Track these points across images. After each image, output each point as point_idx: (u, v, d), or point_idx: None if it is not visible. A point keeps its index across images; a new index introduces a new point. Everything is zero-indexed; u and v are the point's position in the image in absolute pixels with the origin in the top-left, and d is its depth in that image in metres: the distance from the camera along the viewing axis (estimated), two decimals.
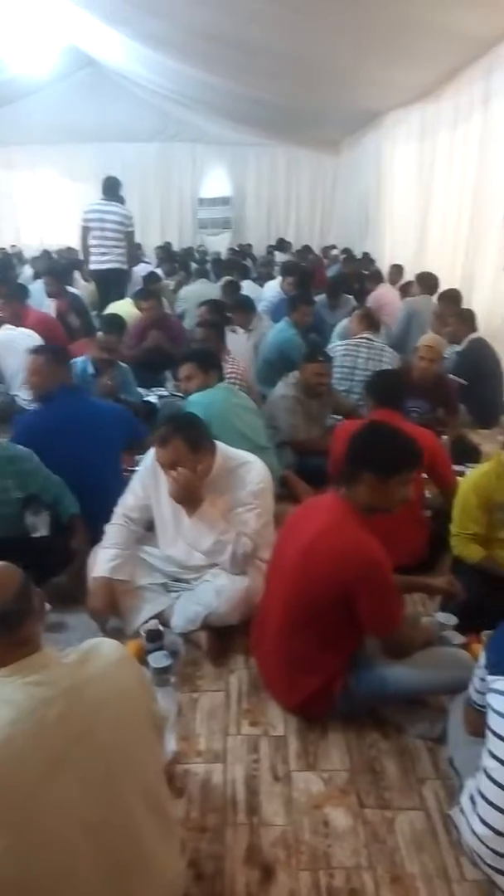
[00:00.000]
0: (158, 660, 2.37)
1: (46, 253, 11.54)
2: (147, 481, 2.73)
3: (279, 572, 2.21)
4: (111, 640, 1.53)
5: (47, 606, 2.58)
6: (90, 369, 4.26)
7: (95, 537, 2.78)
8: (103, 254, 6.70)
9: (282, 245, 13.49)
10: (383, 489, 2.07)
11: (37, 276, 8.16)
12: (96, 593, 2.56)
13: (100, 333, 4.37)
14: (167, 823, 1.44)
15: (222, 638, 2.58)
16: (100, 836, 1.26)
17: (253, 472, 2.64)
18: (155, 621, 2.54)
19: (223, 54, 7.39)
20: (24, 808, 1.20)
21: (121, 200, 6.94)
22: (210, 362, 3.62)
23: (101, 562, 2.60)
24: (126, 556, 2.64)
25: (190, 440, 2.49)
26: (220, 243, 14.80)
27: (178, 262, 11.26)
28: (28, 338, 4.93)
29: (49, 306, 6.67)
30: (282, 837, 1.83)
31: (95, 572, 2.59)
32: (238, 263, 9.87)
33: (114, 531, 2.69)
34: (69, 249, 11.90)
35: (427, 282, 6.40)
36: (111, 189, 6.77)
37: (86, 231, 6.70)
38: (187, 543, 2.62)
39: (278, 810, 1.92)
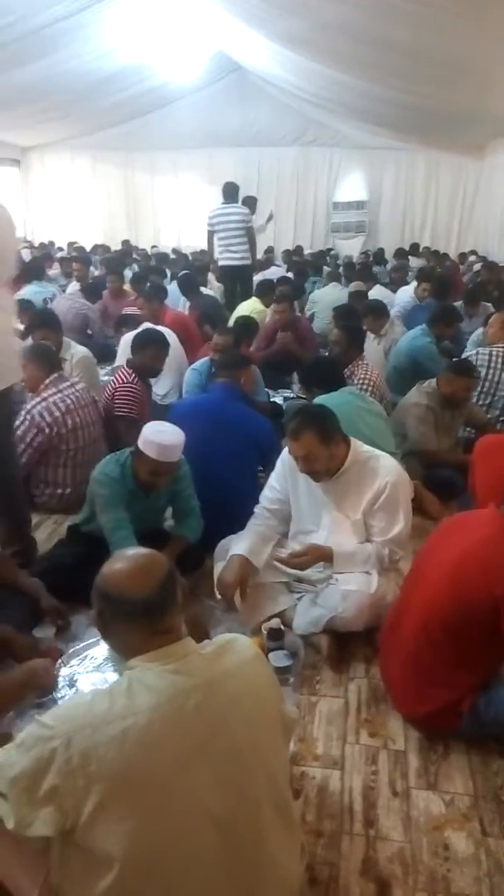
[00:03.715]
0: (279, 659, 2.38)
1: (182, 255, 11.94)
2: (284, 476, 2.77)
3: (421, 582, 2.16)
4: (244, 636, 1.55)
5: None
6: (213, 369, 4.37)
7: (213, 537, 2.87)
8: (231, 251, 7.40)
9: (416, 250, 13.22)
10: None
11: (173, 277, 8.46)
12: (230, 567, 2.59)
13: (216, 336, 4.51)
14: (291, 824, 1.44)
15: (343, 644, 2.56)
16: (227, 829, 1.28)
17: (385, 464, 2.62)
18: (277, 620, 2.55)
19: (363, 54, 7.36)
20: (157, 794, 1.23)
21: (247, 202, 7.75)
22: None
23: (240, 542, 2.67)
24: (261, 545, 2.69)
25: (321, 433, 2.51)
26: (352, 247, 14.71)
27: (308, 265, 11.28)
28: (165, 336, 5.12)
29: (185, 306, 6.90)
30: (399, 854, 1.79)
31: (234, 550, 2.65)
32: (368, 268, 9.76)
33: (254, 521, 2.77)
34: (203, 252, 12.26)
35: None
36: (231, 193, 7.51)
37: (211, 234, 7.47)
38: (324, 541, 2.63)
39: (396, 826, 1.87)
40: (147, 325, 5.17)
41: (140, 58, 10.55)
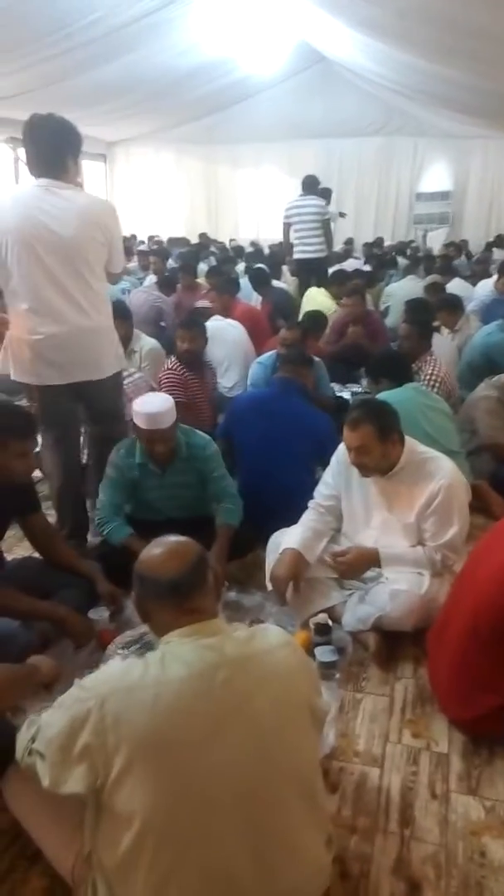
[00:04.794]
0: (325, 654, 2.38)
1: (257, 248, 11.96)
2: (338, 472, 2.77)
3: (472, 583, 2.13)
4: (278, 627, 1.59)
5: (225, 584, 2.74)
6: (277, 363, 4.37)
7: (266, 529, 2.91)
8: (306, 244, 7.40)
9: (502, 242, 12.77)
10: None
11: (247, 270, 8.50)
12: (283, 561, 2.61)
13: (283, 330, 4.53)
14: (318, 814, 1.46)
15: (392, 643, 2.54)
16: (248, 806, 1.32)
17: (440, 466, 2.58)
18: (325, 615, 2.55)
19: (445, 40, 7.10)
20: (180, 760, 1.29)
21: (322, 194, 7.77)
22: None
23: (293, 536, 2.68)
24: (314, 540, 2.70)
25: (380, 428, 2.50)
26: (435, 239, 14.36)
27: (387, 257, 11.07)
28: (234, 328, 5.18)
29: (257, 299, 6.93)
30: (433, 856, 1.77)
31: (286, 544, 2.67)
32: (449, 260, 9.51)
33: (307, 516, 2.78)
34: (280, 244, 12.26)
35: None
36: (310, 186, 7.52)
37: (287, 227, 7.49)
38: (374, 541, 2.62)
39: (432, 828, 1.85)
40: (217, 318, 5.24)
41: (223, 51, 10.60)
